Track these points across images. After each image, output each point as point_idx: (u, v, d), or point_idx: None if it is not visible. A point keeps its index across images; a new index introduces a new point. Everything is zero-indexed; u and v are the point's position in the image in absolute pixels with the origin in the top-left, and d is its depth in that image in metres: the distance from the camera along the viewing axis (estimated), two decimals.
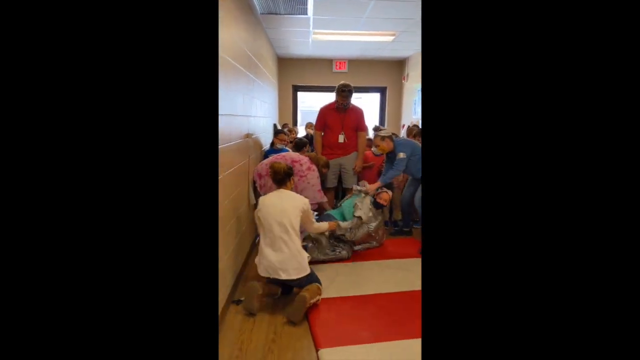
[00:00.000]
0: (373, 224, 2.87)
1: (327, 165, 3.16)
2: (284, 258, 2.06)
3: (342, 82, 3.26)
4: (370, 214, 2.88)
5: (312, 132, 4.72)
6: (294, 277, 2.06)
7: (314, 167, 2.99)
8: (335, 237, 2.76)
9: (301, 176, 2.93)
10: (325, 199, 3.04)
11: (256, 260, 2.16)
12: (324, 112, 3.39)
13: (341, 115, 3.31)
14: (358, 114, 3.38)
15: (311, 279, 2.14)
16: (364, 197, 2.94)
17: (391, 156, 3.06)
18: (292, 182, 2.31)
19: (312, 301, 2.04)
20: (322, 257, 2.70)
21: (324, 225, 2.51)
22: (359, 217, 2.77)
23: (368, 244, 2.97)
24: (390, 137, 3.04)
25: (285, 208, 2.13)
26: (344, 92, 3.20)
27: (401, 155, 2.93)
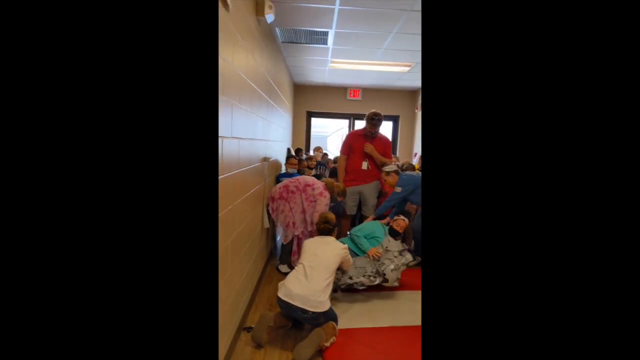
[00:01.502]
0: (395, 251, 2.75)
1: (343, 194, 3.11)
2: (306, 290, 1.99)
3: (372, 110, 3.28)
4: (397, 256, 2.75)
5: (320, 156, 4.77)
6: (310, 309, 1.96)
7: (326, 193, 2.97)
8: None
9: (311, 201, 2.92)
10: None
11: (280, 283, 2.12)
12: (352, 137, 3.41)
13: (368, 143, 3.32)
14: (384, 142, 3.39)
15: (329, 316, 2.03)
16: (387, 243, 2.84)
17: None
18: (335, 232, 2.45)
19: (326, 344, 1.94)
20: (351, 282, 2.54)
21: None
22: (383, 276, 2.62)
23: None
24: (396, 172, 3.10)
25: (326, 249, 2.22)
26: (374, 121, 3.23)
27: (397, 189, 3.02)
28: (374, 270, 2.59)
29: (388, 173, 3.10)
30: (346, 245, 2.30)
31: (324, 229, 2.33)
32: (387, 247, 2.76)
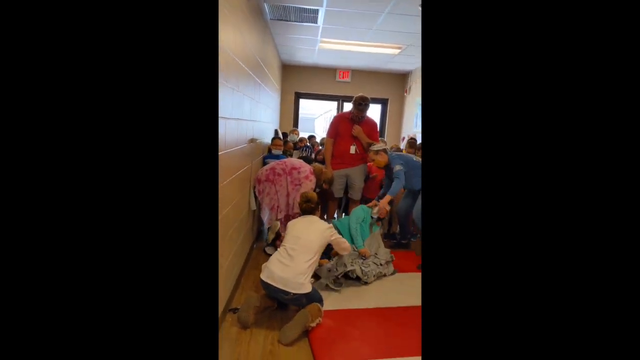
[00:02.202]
0: (382, 259, 2.80)
1: (330, 182, 3.14)
2: (287, 272, 1.98)
3: (359, 94, 3.24)
4: (378, 249, 2.85)
5: (295, 137, 4.73)
6: (291, 290, 1.96)
7: (312, 177, 2.95)
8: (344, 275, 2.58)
9: (295, 184, 2.90)
10: None
11: (263, 265, 2.11)
12: (338, 120, 3.37)
13: (356, 125, 3.28)
14: (371, 126, 3.36)
15: (312, 297, 2.04)
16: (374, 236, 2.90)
17: (388, 170, 3.06)
18: (319, 211, 2.37)
19: (311, 324, 1.95)
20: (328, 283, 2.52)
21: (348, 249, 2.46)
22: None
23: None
24: (384, 150, 3.03)
25: (310, 230, 2.17)
26: (361, 105, 3.18)
27: (398, 167, 2.92)
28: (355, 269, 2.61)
29: (377, 152, 3.01)
30: (331, 225, 2.27)
31: (306, 208, 2.30)
32: (376, 253, 2.81)
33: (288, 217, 2.95)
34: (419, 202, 2.98)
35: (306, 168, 2.98)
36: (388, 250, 2.94)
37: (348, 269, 2.50)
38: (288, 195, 2.93)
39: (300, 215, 2.39)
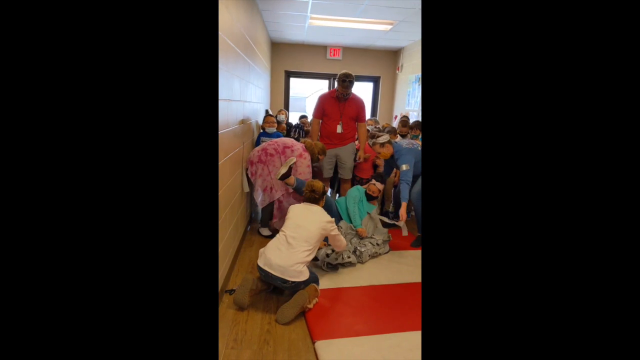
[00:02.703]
0: (379, 239, 2.83)
1: (323, 152, 3.13)
2: (285, 260, 1.99)
3: (343, 71, 3.17)
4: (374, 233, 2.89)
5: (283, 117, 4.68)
6: (289, 279, 1.97)
7: (306, 154, 2.95)
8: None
9: None
10: None
11: (261, 250, 2.12)
12: (324, 100, 3.30)
13: (341, 105, 3.24)
14: (358, 104, 3.31)
15: (309, 282, 2.05)
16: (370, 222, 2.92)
17: (390, 160, 3.00)
18: (323, 201, 2.33)
19: (309, 306, 1.98)
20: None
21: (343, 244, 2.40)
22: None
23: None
24: (389, 142, 2.93)
25: (311, 220, 2.14)
26: (345, 82, 3.12)
27: (404, 167, 2.81)
28: (352, 249, 2.63)
29: (382, 145, 2.89)
30: (333, 220, 2.23)
31: (310, 197, 2.27)
32: (373, 233, 2.84)
33: (285, 196, 2.96)
34: (417, 185, 2.97)
35: (299, 146, 2.97)
36: (385, 230, 2.97)
37: (345, 261, 2.52)
38: None
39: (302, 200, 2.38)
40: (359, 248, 2.65)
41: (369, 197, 3.01)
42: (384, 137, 2.93)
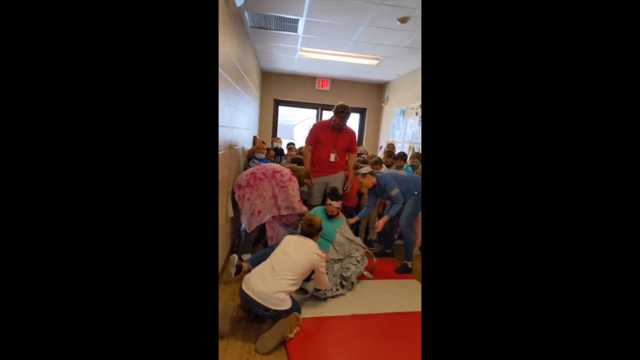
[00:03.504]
0: (358, 255, 2.81)
1: (308, 176, 3.19)
2: (268, 287, 1.96)
3: (340, 102, 3.28)
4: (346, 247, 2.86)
5: (279, 145, 4.74)
6: (271, 307, 1.94)
7: (294, 178, 3.00)
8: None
9: (282, 187, 2.92)
10: (304, 209, 3.03)
11: (246, 276, 2.09)
12: (319, 128, 3.38)
13: (335, 135, 3.32)
14: (351, 135, 3.41)
15: (291, 311, 2.02)
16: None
17: (375, 188, 3.08)
18: (318, 236, 2.35)
19: (290, 335, 1.94)
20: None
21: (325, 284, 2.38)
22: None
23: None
24: (371, 173, 3.03)
25: (300, 251, 2.14)
26: (343, 114, 3.22)
27: (395, 191, 2.95)
28: (339, 281, 2.60)
29: (364, 175, 3.00)
30: (324, 256, 2.23)
31: (307, 231, 2.27)
32: (350, 253, 2.82)
33: (277, 218, 2.97)
34: (406, 209, 3.02)
35: (287, 171, 3.02)
36: (359, 239, 2.97)
37: (333, 294, 2.50)
38: (275, 197, 2.95)
39: (297, 234, 2.37)
40: (344, 274, 2.63)
41: (330, 217, 2.99)
42: (366, 168, 3.03)
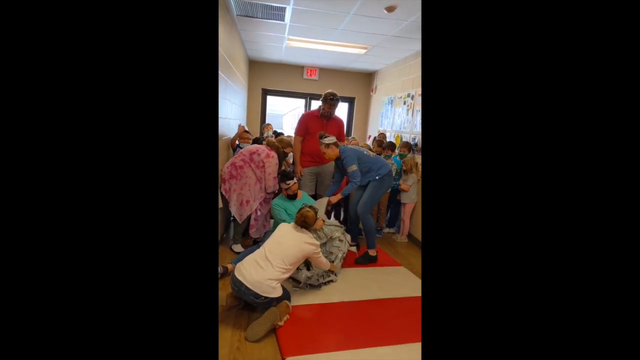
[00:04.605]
0: (337, 236, 2.80)
1: (289, 145, 3.22)
2: (260, 275, 1.99)
3: (329, 90, 3.27)
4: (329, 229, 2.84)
5: (270, 133, 4.72)
6: (262, 294, 1.97)
7: (272, 153, 2.98)
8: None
9: (260, 167, 2.92)
10: (277, 188, 3.04)
11: (238, 263, 2.11)
12: (307, 118, 3.37)
13: (324, 123, 3.32)
14: (340, 123, 3.42)
15: (281, 299, 2.05)
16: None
17: (339, 163, 3.00)
18: (310, 231, 2.35)
19: (280, 323, 1.98)
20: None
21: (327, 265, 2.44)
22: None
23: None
24: (335, 144, 2.93)
25: (292, 241, 2.16)
26: (332, 101, 3.21)
27: (353, 167, 2.87)
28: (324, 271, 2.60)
29: (328, 145, 2.90)
30: (318, 244, 2.26)
31: (301, 224, 2.28)
32: (331, 235, 2.78)
33: (267, 200, 3.01)
34: (365, 194, 2.98)
35: (263, 148, 3.01)
36: (334, 221, 3.01)
37: (326, 280, 2.54)
38: (259, 180, 2.95)
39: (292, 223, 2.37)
40: (330, 257, 2.67)
41: (291, 198, 2.96)
42: (330, 139, 2.91)
